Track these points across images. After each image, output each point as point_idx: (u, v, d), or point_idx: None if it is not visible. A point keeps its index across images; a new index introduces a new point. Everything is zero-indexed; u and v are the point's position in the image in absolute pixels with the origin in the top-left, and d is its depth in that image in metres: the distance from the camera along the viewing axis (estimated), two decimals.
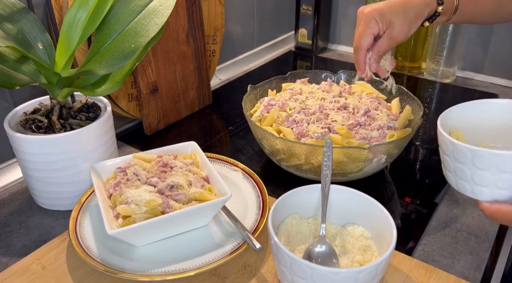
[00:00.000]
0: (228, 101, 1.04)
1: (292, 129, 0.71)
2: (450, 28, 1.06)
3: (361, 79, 0.72)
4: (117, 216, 0.56)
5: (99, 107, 0.70)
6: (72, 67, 0.64)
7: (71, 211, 0.61)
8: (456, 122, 0.54)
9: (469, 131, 0.55)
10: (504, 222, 0.49)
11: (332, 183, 0.55)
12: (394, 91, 0.80)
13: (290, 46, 1.39)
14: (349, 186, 0.55)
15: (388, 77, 0.73)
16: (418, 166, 0.80)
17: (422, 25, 0.68)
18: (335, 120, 0.71)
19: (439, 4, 0.65)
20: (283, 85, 0.86)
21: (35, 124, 0.64)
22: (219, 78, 1.15)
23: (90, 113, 0.68)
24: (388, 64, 0.71)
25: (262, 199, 0.63)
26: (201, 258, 0.54)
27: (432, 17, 0.67)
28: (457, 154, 0.48)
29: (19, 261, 0.57)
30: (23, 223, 0.65)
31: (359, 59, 0.67)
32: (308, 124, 0.71)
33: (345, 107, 0.75)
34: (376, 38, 0.67)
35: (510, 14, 0.68)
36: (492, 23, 0.76)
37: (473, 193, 0.49)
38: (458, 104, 0.55)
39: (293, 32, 1.37)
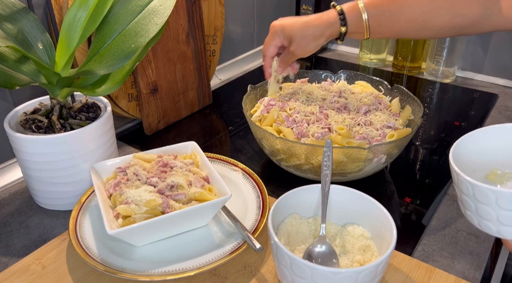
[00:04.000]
0: (228, 101, 1.04)
1: (292, 129, 0.71)
2: None
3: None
4: (117, 216, 0.56)
5: (99, 107, 0.70)
6: (72, 67, 0.64)
7: (71, 211, 0.61)
8: (466, 152, 0.52)
9: (478, 159, 0.53)
10: None
11: (332, 183, 0.55)
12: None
13: None
14: (349, 186, 0.55)
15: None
16: (418, 166, 0.80)
17: (336, 41, 0.72)
18: (335, 120, 0.71)
19: (342, 25, 0.68)
20: (283, 85, 0.86)
21: (35, 124, 0.64)
22: (219, 78, 1.15)
23: (90, 113, 0.68)
24: (290, 70, 0.80)
25: (262, 199, 0.63)
26: (201, 258, 0.54)
27: (340, 36, 0.70)
28: (479, 195, 0.45)
29: (19, 261, 0.57)
30: (23, 223, 0.65)
31: (265, 65, 0.77)
32: (308, 124, 0.71)
33: (345, 107, 0.75)
34: (281, 49, 0.75)
35: (440, 29, 0.66)
36: (424, 38, 0.78)
37: (500, 233, 0.46)
38: (464, 135, 0.52)
39: None
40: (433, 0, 0.64)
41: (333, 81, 0.87)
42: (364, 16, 0.67)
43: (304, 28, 0.70)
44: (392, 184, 0.74)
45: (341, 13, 0.68)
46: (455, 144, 0.51)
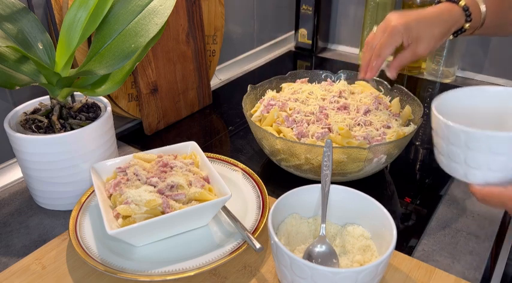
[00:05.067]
0: (228, 101, 1.04)
1: (292, 129, 0.71)
2: None
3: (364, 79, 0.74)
4: (117, 216, 0.56)
5: (99, 107, 0.70)
6: (72, 67, 0.64)
7: (71, 211, 0.61)
8: (450, 107, 0.54)
9: (461, 117, 0.54)
10: (495, 205, 0.49)
11: (332, 183, 0.55)
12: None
13: (290, 46, 1.39)
14: (349, 186, 0.55)
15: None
16: (418, 166, 0.80)
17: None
18: (335, 120, 0.71)
19: (467, 21, 0.65)
20: (283, 85, 0.86)
21: (35, 124, 0.64)
22: (219, 78, 1.15)
23: (90, 113, 0.68)
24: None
25: (262, 199, 0.63)
26: (201, 258, 0.54)
27: (457, 32, 0.67)
28: (451, 136, 0.47)
29: (19, 261, 0.57)
30: (23, 223, 0.65)
31: (376, 65, 0.68)
32: (308, 124, 0.71)
33: (345, 107, 0.75)
34: (397, 48, 0.68)
35: None
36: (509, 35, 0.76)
37: (466, 177, 0.48)
38: (452, 90, 0.56)
39: (293, 32, 1.37)
40: None
41: (333, 81, 0.87)
42: (483, 8, 0.64)
43: (432, 26, 0.64)
44: (392, 184, 0.74)
45: (466, 9, 0.65)
46: (439, 95, 0.55)
